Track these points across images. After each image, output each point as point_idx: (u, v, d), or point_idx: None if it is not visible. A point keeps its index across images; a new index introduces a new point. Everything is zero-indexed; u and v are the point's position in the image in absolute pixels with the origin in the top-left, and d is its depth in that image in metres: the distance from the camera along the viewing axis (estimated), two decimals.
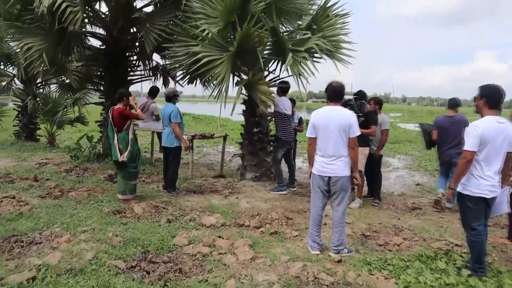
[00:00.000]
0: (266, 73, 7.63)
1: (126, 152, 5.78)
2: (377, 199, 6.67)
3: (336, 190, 4.21)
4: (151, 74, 10.40)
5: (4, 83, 12.71)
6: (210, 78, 6.64)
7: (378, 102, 6.75)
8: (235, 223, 5.20)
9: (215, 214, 5.49)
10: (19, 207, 5.33)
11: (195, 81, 8.36)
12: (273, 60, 7.40)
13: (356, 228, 5.23)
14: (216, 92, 6.82)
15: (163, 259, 3.90)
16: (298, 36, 7.04)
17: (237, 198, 6.56)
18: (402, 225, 5.47)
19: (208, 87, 8.72)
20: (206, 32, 6.42)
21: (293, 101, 8.01)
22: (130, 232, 4.55)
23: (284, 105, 7.10)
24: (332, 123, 4.14)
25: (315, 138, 4.33)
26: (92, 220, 4.97)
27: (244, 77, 7.56)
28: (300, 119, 8.43)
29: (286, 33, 7.40)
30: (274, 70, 7.56)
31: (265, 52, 7.00)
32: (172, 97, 6.61)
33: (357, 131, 4.14)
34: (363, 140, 6.40)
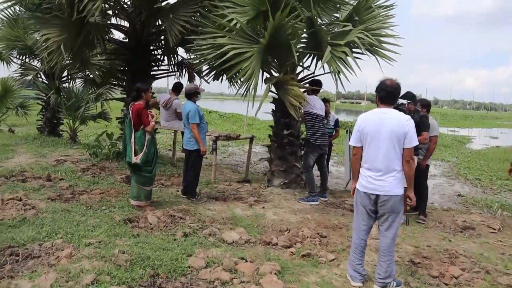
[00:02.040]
0: (299, 69, 6.93)
1: (141, 154, 5.19)
2: (422, 215, 5.87)
3: (385, 212, 3.48)
4: (176, 70, 9.85)
5: (29, 77, 12.50)
6: (237, 74, 5.97)
7: (426, 104, 5.94)
8: (260, 240, 4.53)
9: (238, 228, 4.84)
10: (24, 212, 4.83)
11: (221, 77, 7.74)
12: (307, 55, 6.68)
13: (402, 252, 4.47)
14: (243, 89, 6.19)
15: (175, 286, 3.28)
16: (336, 29, 6.29)
17: (263, 207, 5.90)
18: (456, 249, 4.66)
19: (235, 84, 8.09)
20: (234, 22, 5.76)
21: (327, 101, 7.29)
22: (139, 248, 3.95)
23: (315, 104, 6.38)
24: (384, 130, 3.42)
25: (361, 147, 3.62)
26: (100, 231, 4.40)
27: (275, 74, 6.88)
28: (337, 121, 7.70)
29: (323, 25, 6.66)
30: (309, 66, 6.83)
31: (299, 46, 6.28)
32: (192, 95, 5.98)
33: (414, 141, 3.40)
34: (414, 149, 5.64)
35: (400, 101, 5.35)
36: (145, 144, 5.22)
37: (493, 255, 4.64)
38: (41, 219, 4.65)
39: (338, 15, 7.04)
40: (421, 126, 5.48)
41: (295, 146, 7.01)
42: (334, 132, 7.72)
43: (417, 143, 3.40)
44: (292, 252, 4.22)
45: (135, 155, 5.17)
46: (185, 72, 10.15)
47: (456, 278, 3.88)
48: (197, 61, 6.96)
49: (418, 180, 5.78)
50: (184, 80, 10.42)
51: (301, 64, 6.70)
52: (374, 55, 6.15)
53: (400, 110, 5.32)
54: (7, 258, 3.62)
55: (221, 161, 10.80)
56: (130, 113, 5.23)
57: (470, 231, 5.55)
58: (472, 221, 5.98)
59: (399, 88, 3.56)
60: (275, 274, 3.54)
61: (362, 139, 3.57)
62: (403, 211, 5.56)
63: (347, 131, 6.16)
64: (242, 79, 5.97)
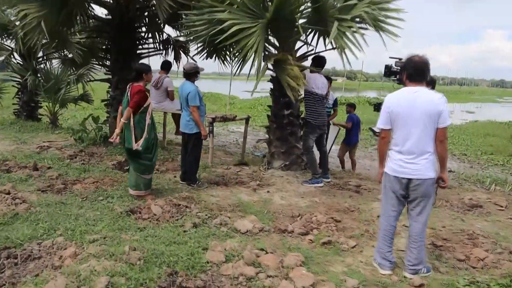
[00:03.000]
0: (299, 45, 6.59)
1: (142, 140, 4.82)
2: None
3: (417, 196, 3.28)
4: (161, 48, 9.34)
5: (1, 58, 11.71)
6: (239, 51, 5.59)
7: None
8: (275, 228, 4.29)
9: (248, 215, 4.58)
10: (15, 206, 4.42)
11: (214, 56, 7.35)
12: (309, 31, 6.34)
13: None
14: (241, 67, 5.85)
15: (196, 284, 3.01)
16: (337, 4, 5.95)
17: (268, 192, 5.65)
18: (472, 229, 4.54)
19: (230, 63, 7.71)
20: None
21: (329, 79, 7.03)
22: (150, 243, 3.65)
23: (317, 83, 6.09)
24: (417, 110, 3.18)
25: (389, 130, 3.38)
26: (102, 224, 4.07)
27: (273, 51, 6.54)
28: (335, 101, 7.44)
29: None
30: (309, 43, 6.49)
31: (301, 21, 5.93)
32: (192, 74, 5.58)
33: (448, 119, 3.19)
34: None
35: None
36: (146, 129, 4.85)
37: (509, 233, 4.54)
38: (35, 214, 4.26)
39: None
40: None
41: (295, 126, 6.74)
42: (332, 112, 7.48)
43: (450, 122, 3.19)
44: (311, 240, 4.00)
45: (136, 141, 4.80)
46: (171, 50, 9.66)
47: (482, 260, 3.75)
48: (189, 38, 6.53)
49: None
50: (170, 59, 9.94)
51: (303, 40, 6.38)
52: (378, 31, 5.85)
53: None
54: (5, 261, 3.26)
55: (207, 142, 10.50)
56: (129, 94, 4.83)
57: (479, 209, 5.46)
58: (478, 198, 5.89)
59: (428, 64, 3.32)
60: (301, 265, 3.32)
61: (392, 121, 3.33)
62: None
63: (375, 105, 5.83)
64: (243, 57, 5.60)
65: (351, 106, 8.04)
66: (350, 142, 7.86)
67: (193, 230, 4.08)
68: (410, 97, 3.25)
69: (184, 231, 4.04)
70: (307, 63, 6.58)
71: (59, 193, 5.10)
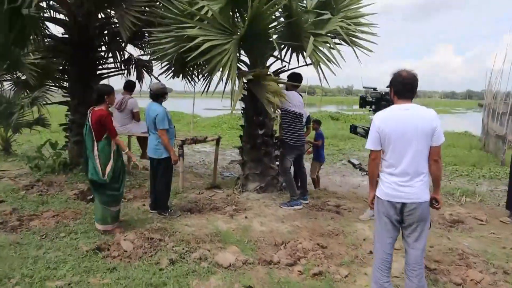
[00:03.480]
0: (271, 61, 6.37)
1: (108, 169, 4.40)
2: None
3: (413, 221, 3.05)
4: (123, 68, 8.89)
5: None
6: (211, 69, 5.27)
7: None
8: (259, 259, 3.95)
9: (228, 246, 4.23)
10: None
11: (181, 75, 7.02)
12: (282, 47, 6.13)
13: None
14: (216, 86, 5.55)
15: None
16: (310, 19, 5.80)
17: (246, 217, 5.31)
18: (460, 248, 4.41)
19: (196, 81, 7.39)
20: (205, 10, 5.07)
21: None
22: (123, 286, 3.23)
23: (294, 101, 5.86)
24: (410, 129, 2.98)
25: (380, 151, 3.17)
26: (66, 267, 3.60)
27: (244, 68, 6.29)
28: (308, 118, 7.24)
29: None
30: (283, 59, 6.27)
31: (274, 36, 5.71)
32: (159, 96, 5.23)
33: (442, 137, 2.99)
34: None
35: (383, 90, 5.02)
36: (111, 157, 4.43)
37: (496, 250, 4.43)
38: None
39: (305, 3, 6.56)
40: None
41: (269, 146, 6.48)
42: (305, 130, 7.28)
43: (444, 139, 3.00)
44: (300, 271, 3.70)
45: (102, 171, 4.37)
46: (134, 70, 9.22)
47: (479, 282, 3.58)
48: (155, 57, 6.17)
49: None
50: (133, 79, 9.50)
51: (276, 56, 6.16)
52: (351, 46, 5.74)
53: (383, 99, 5.01)
54: None
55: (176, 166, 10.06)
56: (90, 120, 4.41)
57: (461, 225, 5.36)
58: (458, 213, 5.82)
59: (417, 80, 3.13)
60: None
61: (382, 141, 3.12)
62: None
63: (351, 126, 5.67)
64: (214, 74, 5.30)
65: (317, 123, 7.88)
66: (321, 159, 7.68)
67: (170, 267, 3.68)
68: (401, 115, 3.04)
69: (160, 269, 3.64)
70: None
71: (14, 231, 4.55)
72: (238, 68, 6.44)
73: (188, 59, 4.97)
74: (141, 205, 5.73)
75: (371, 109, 5.17)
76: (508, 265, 3.99)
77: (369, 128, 5.56)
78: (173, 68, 6.78)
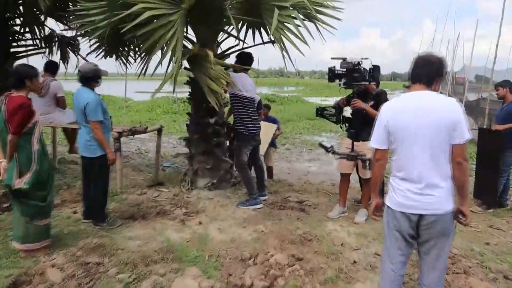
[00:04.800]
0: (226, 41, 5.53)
1: (29, 174, 3.39)
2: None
3: (432, 237, 2.49)
4: (43, 46, 7.53)
5: None
6: (151, 46, 4.33)
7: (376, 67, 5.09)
8: (228, 283, 3.22)
9: (186, 266, 3.45)
10: None
11: (114, 54, 5.97)
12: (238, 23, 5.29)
13: None
14: (156, 66, 4.65)
15: None
16: None
17: (200, 223, 4.53)
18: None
19: (132, 61, 6.36)
20: None
21: (268, 106, 6.22)
22: None
23: (245, 84, 5.12)
24: (424, 122, 2.40)
25: (387, 150, 2.57)
26: None
27: (190, 47, 5.40)
28: (260, 103, 6.53)
29: None
30: (237, 37, 5.43)
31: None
32: (91, 79, 4.22)
33: (466, 132, 2.40)
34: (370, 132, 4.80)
35: (354, 59, 4.39)
36: (34, 158, 3.42)
37: (483, 248, 4.07)
38: None
39: None
40: (381, 101, 4.63)
41: (221, 136, 5.69)
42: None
43: (469, 136, 2.42)
44: None
45: (19, 176, 3.35)
46: (57, 49, 7.87)
47: None
48: (81, 31, 5.09)
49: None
50: (56, 60, 8.14)
51: (228, 32, 5.32)
52: (314, 22, 5.06)
53: (355, 70, 4.38)
54: None
55: None
56: (4, 109, 3.35)
57: None
58: None
59: (435, 64, 2.49)
60: None
61: (391, 138, 2.51)
62: (366, 204, 4.72)
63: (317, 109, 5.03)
64: (153, 52, 4.38)
65: (267, 108, 7.24)
66: (274, 144, 7.10)
67: None
68: (413, 104, 2.46)
69: None
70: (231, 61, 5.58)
71: None
72: (184, 47, 5.55)
73: (123, 30, 3.99)
74: (71, 213, 4.73)
75: (340, 82, 4.56)
76: (503, 266, 3.63)
77: (336, 108, 4.99)
78: (104, 47, 5.68)
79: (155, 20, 4.03)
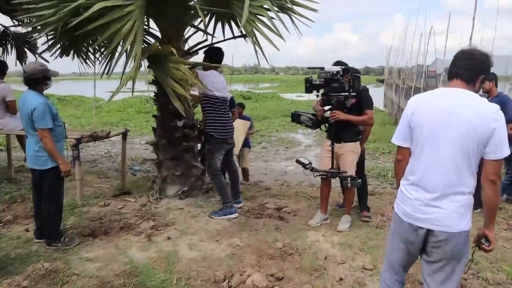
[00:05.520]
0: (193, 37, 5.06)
1: None
2: (365, 211, 4.83)
3: (440, 258, 2.15)
4: None
5: None
6: (106, 42, 3.86)
7: (355, 72, 4.75)
8: None
9: None
10: None
11: (72, 52, 5.43)
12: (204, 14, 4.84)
13: None
14: (115, 66, 4.17)
15: None
16: None
17: (168, 238, 4.09)
18: None
19: (94, 59, 5.84)
20: None
21: (242, 105, 5.84)
22: None
23: (216, 83, 4.68)
24: (454, 124, 2.05)
25: (409, 149, 2.25)
26: None
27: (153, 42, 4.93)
28: (232, 101, 6.09)
29: None
30: (205, 31, 4.97)
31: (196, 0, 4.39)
32: (38, 81, 3.71)
33: (506, 147, 2.02)
34: (355, 132, 4.45)
35: (333, 69, 4.08)
36: None
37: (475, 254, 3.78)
38: None
39: None
40: (364, 102, 4.34)
41: (191, 140, 5.24)
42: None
43: (508, 152, 2.03)
44: None
45: None
46: (12, 47, 7.27)
47: None
48: (33, 26, 4.54)
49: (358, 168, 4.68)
50: (11, 61, 7.52)
51: (196, 26, 4.87)
52: (288, 14, 4.66)
53: (334, 80, 4.07)
54: None
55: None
56: None
57: None
58: None
59: (478, 60, 2.14)
60: None
61: (414, 135, 2.18)
62: (348, 210, 4.39)
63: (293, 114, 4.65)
64: (112, 50, 3.90)
65: (241, 107, 6.82)
66: (248, 144, 6.68)
67: None
68: (446, 102, 2.11)
69: None
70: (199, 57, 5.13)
71: None
72: (147, 44, 5.08)
73: (70, 25, 3.50)
74: (23, 232, 4.21)
75: (318, 93, 4.21)
76: (500, 276, 3.33)
77: (314, 115, 4.64)
78: (60, 44, 5.14)
79: (109, 13, 3.53)
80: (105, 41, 3.79)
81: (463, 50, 2.20)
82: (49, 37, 4.94)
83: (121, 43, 3.88)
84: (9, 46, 7.47)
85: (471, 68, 2.11)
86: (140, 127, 13.37)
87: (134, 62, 3.72)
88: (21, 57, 7.62)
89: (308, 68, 4.15)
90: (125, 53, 3.87)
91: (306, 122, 4.41)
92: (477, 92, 2.14)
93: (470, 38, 11.99)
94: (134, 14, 3.54)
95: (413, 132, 2.19)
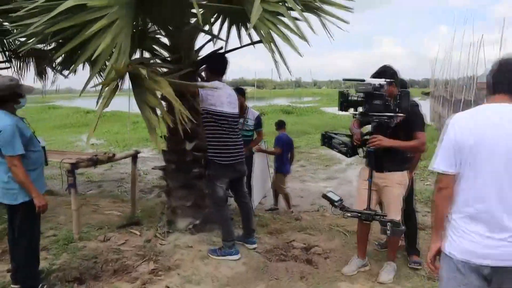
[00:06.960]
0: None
1: None
2: (415, 254, 3.85)
3: None
4: (7, 59, 6.55)
5: None
6: (90, 53, 3.19)
7: (403, 85, 3.83)
8: None
9: None
10: None
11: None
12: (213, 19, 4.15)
13: None
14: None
15: None
16: None
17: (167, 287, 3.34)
18: None
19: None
20: None
21: (241, 91, 4.99)
22: None
23: (220, 96, 3.86)
24: (509, 142, 1.79)
25: (454, 176, 1.93)
26: None
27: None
28: (259, 120, 5.31)
29: None
30: (216, 37, 4.26)
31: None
32: (7, 98, 3.08)
33: None
34: (402, 159, 3.53)
35: (375, 81, 3.20)
36: None
37: None
38: None
39: None
40: (415, 122, 3.41)
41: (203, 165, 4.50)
42: (256, 135, 5.36)
43: None
44: None
45: None
46: (32, 62, 6.92)
47: None
48: (22, 35, 4.01)
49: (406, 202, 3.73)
50: (30, 77, 7.19)
51: (204, 30, 4.16)
52: (319, 15, 3.86)
53: (375, 96, 3.22)
54: None
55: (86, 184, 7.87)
56: None
57: None
58: None
59: None
60: None
61: (462, 159, 1.88)
62: (393, 257, 3.56)
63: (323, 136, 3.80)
64: (98, 65, 3.24)
65: (280, 125, 6.03)
66: (285, 171, 5.88)
67: None
68: (496, 121, 1.84)
69: None
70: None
71: None
72: (154, 54, 4.43)
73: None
74: (5, 272, 3.60)
75: (356, 112, 3.33)
76: None
77: (350, 138, 3.77)
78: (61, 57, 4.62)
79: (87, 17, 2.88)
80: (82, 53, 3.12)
81: (506, 60, 1.94)
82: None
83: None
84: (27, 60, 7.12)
85: None
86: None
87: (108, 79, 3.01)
88: (41, 73, 7.30)
89: (344, 80, 3.33)
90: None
91: (339, 147, 3.55)
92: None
93: None
94: (118, 21, 2.83)
95: (463, 154, 1.88)
